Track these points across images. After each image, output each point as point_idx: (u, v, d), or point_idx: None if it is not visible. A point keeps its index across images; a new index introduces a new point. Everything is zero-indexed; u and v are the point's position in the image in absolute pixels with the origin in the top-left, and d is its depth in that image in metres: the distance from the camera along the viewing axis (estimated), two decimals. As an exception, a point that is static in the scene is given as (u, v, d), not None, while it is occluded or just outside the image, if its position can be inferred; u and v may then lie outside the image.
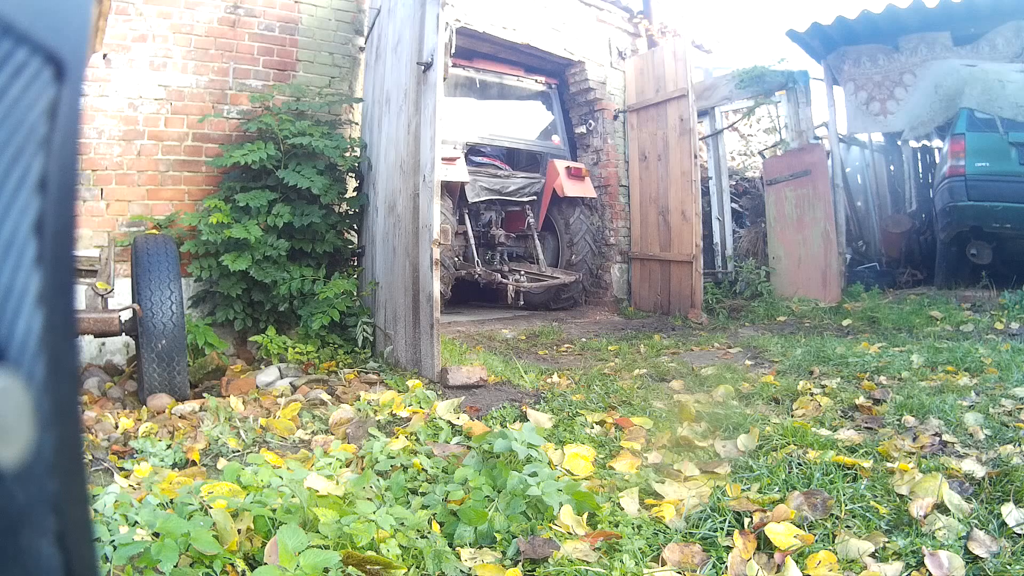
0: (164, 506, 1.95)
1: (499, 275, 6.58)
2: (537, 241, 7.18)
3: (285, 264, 4.78)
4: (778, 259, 7.73)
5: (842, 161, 8.65)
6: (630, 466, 2.42)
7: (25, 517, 0.32)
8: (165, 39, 4.91)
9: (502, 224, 7.27)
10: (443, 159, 5.72)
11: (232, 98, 5.20)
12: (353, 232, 5.50)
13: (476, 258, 6.66)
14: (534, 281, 6.71)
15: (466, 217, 6.73)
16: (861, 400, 3.05)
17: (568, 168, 7.02)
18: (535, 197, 7.20)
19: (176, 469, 2.57)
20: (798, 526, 1.83)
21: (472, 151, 6.83)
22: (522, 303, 6.53)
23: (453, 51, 5.94)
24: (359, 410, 3.18)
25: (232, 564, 1.67)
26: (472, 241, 6.69)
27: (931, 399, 2.94)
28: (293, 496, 1.93)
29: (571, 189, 6.92)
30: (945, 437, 2.52)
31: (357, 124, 5.70)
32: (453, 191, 6.40)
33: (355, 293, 4.80)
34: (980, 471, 2.12)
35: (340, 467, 2.43)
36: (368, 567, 1.65)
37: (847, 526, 1.85)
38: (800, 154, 7.76)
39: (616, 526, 1.92)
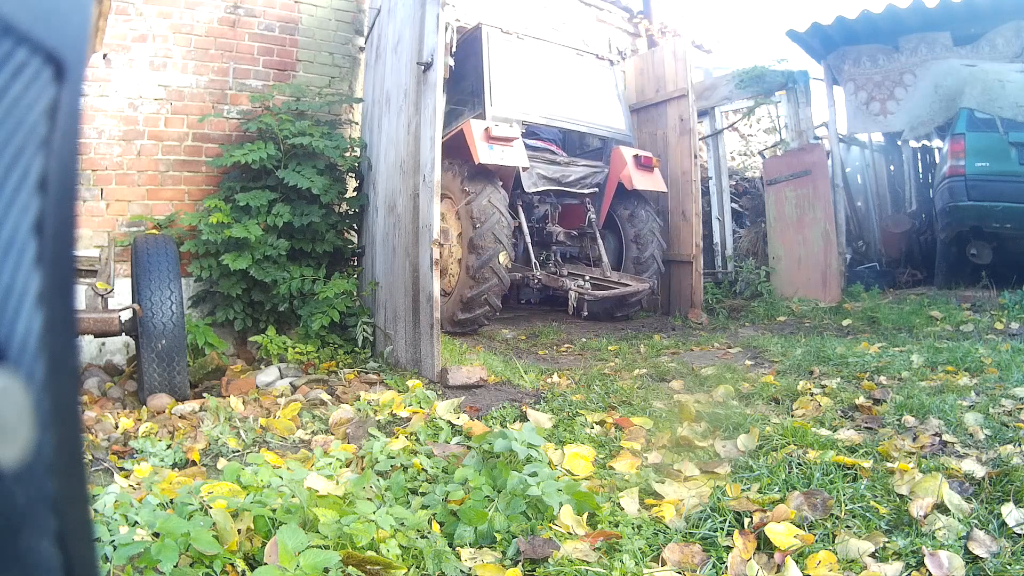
0: (164, 506, 1.95)
1: (564, 280, 5.64)
2: (600, 240, 6.27)
3: (285, 264, 4.79)
4: (778, 259, 7.73)
5: (842, 161, 8.65)
6: (630, 466, 2.42)
7: (25, 517, 0.32)
8: (165, 39, 4.91)
9: (558, 219, 6.35)
10: (498, 139, 5.14)
11: (232, 98, 5.20)
12: (353, 232, 5.50)
13: (533, 259, 5.76)
14: (599, 288, 5.75)
15: (519, 209, 5.79)
16: (861, 400, 3.05)
17: (637, 157, 6.09)
18: (596, 189, 6.27)
19: (176, 469, 2.57)
20: (798, 526, 1.83)
21: (525, 133, 5.87)
22: (585, 313, 5.67)
23: (454, 50, 5.91)
24: (359, 410, 3.18)
25: (232, 564, 1.67)
26: (528, 239, 5.81)
27: (931, 399, 2.93)
28: (293, 496, 1.93)
29: (640, 182, 6.02)
30: (945, 437, 2.51)
31: (357, 124, 5.70)
32: (506, 178, 5.49)
33: (355, 293, 4.80)
34: (980, 471, 2.12)
35: (340, 467, 2.43)
36: (368, 567, 1.65)
37: (847, 526, 1.85)
38: (800, 154, 7.76)
39: (616, 526, 1.92)
